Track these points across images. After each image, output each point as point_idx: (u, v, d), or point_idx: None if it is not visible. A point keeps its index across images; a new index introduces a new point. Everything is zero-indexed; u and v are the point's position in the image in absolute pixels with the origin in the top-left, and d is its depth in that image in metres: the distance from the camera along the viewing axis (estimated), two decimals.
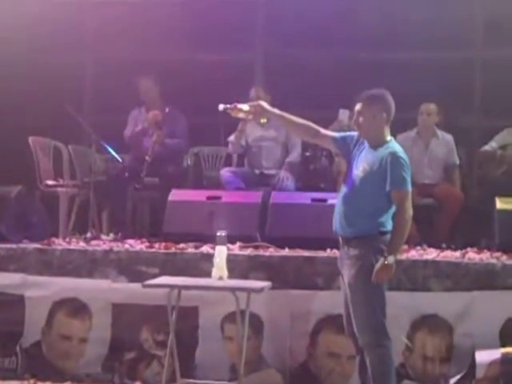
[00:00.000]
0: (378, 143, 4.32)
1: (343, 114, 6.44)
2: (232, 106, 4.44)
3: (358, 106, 4.37)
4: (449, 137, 6.61)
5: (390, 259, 4.15)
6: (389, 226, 4.25)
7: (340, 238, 4.37)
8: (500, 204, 5.73)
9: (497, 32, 7.30)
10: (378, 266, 4.15)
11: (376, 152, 4.29)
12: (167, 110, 6.62)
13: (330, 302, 4.90)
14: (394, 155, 4.24)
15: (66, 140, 7.00)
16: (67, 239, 5.96)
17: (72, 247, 5.63)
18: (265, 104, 4.50)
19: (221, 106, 4.46)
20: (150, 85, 6.74)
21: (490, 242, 5.80)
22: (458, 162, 6.55)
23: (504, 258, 5.26)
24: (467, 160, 6.95)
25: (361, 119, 4.34)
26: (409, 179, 4.26)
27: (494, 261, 5.20)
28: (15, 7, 7.12)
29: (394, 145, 4.34)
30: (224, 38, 7.52)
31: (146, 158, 6.40)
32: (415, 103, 6.58)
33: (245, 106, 4.47)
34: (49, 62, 7.52)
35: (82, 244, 5.75)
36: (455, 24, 7.25)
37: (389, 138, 4.37)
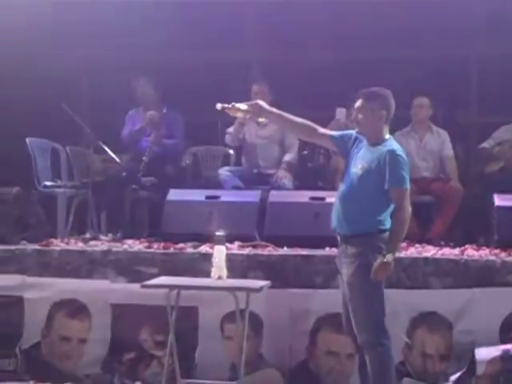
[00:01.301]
0: (376, 141, 4.31)
1: (340, 113, 6.45)
2: (230, 105, 4.43)
3: (357, 103, 4.37)
4: (443, 131, 6.63)
5: (389, 257, 4.15)
6: (387, 224, 4.25)
7: (338, 236, 4.37)
8: (498, 201, 5.73)
9: (494, 30, 7.31)
10: (376, 264, 4.15)
11: (375, 150, 4.29)
12: (164, 110, 6.61)
13: (329, 300, 4.89)
14: (392, 153, 4.24)
15: (64, 141, 6.99)
16: (66, 240, 5.95)
17: (70, 248, 5.62)
18: (263, 103, 4.49)
19: (219, 106, 4.45)
20: (148, 85, 6.73)
21: (488, 238, 5.80)
22: (452, 153, 6.56)
23: (503, 254, 5.26)
24: (465, 157, 6.96)
25: (360, 116, 4.34)
26: (407, 177, 4.25)
27: (493, 258, 5.20)
28: (7, 10, 7.09)
29: (393, 143, 4.34)
30: (221, 37, 7.51)
31: (144, 158, 6.40)
32: (413, 99, 6.59)
33: (243, 106, 4.45)
34: (45, 63, 7.50)
35: (80, 245, 5.75)
36: (453, 22, 7.25)
37: (388, 136, 4.36)
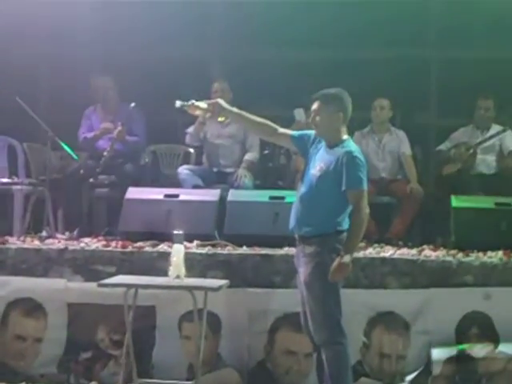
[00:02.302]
0: (334, 142, 4.33)
1: (299, 114, 6.47)
2: (189, 103, 4.40)
3: (314, 105, 4.37)
4: (401, 132, 6.68)
5: (346, 258, 4.16)
6: (345, 225, 4.27)
7: (297, 237, 4.38)
8: (455, 202, 5.79)
9: (453, 32, 7.38)
10: (334, 264, 4.16)
11: (332, 151, 4.30)
12: (133, 104, 6.51)
13: (288, 300, 4.90)
14: (349, 155, 4.25)
15: (21, 138, 6.90)
16: (22, 238, 5.88)
17: (26, 246, 5.56)
18: (223, 102, 4.48)
19: (177, 103, 4.42)
20: (108, 84, 6.67)
21: (445, 239, 5.86)
22: (409, 151, 6.60)
23: (460, 255, 5.31)
24: (423, 158, 7.01)
25: (318, 118, 4.35)
26: (365, 178, 4.27)
27: (450, 258, 5.25)
28: None
29: (351, 144, 4.36)
30: (182, 34, 7.48)
31: (105, 153, 6.33)
32: (372, 102, 6.62)
33: (202, 104, 4.42)
34: (3, 59, 7.40)
35: (36, 243, 5.68)
36: (412, 23, 7.30)
37: (345, 136, 4.38)
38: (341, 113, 4.33)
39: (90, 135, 6.60)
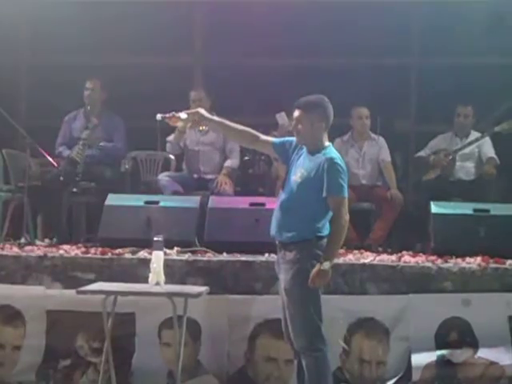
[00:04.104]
0: (316, 149, 4.33)
1: (281, 118, 6.48)
2: (170, 114, 4.39)
3: (296, 113, 4.37)
4: (380, 138, 6.70)
5: (326, 265, 4.16)
6: (325, 231, 4.27)
7: (277, 243, 4.38)
8: (435, 208, 5.81)
9: (433, 40, 7.43)
10: (314, 271, 4.16)
11: (314, 158, 4.31)
12: (101, 144, 6.52)
13: (268, 306, 4.90)
14: (330, 161, 4.26)
15: (0, 144, 6.85)
16: (1, 245, 5.83)
17: (5, 253, 5.51)
18: (203, 111, 4.47)
19: (158, 116, 4.41)
20: (97, 86, 6.67)
21: (425, 245, 5.89)
22: (389, 158, 6.64)
23: (439, 261, 5.33)
24: (403, 165, 7.05)
25: (299, 126, 4.34)
26: (345, 185, 4.28)
27: (429, 264, 5.27)
28: None
29: (332, 151, 4.36)
30: (163, 42, 7.48)
31: (75, 157, 6.28)
32: (351, 109, 6.65)
33: (183, 115, 4.41)
34: None
35: (15, 250, 5.64)
36: (392, 31, 7.35)
37: (327, 143, 4.38)
38: (323, 122, 4.33)
39: (65, 153, 6.57)
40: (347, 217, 4.24)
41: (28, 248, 5.70)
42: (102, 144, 6.58)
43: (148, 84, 7.33)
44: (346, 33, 7.31)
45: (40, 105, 7.53)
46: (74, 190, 6.25)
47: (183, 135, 6.50)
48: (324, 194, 4.22)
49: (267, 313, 4.97)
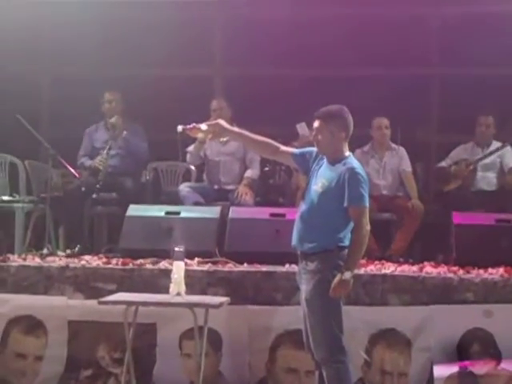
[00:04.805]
0: (336, 159, 4.32)
1: (302, 128, 6.47)
2: (190, 126, 4.41)
3: (316, 123, 4.36)
4: (401, 148, 6.67)
5: (347, 275, 4.15)
6: (347, 242, 4.26)
7: (299, 253, 4.37)
8: (457, 219, 5.78)
9: (454, 50, 7.41)
10: (335, 281, 4.15)
11: (334, 168, 4.30)
12: (124, 133, 6.56)
13: (289, 317, 4.89)
14: (351, 171, 4.25)
15: (23, 155, 6.91)
16: (23, 256, 5.87)
17: (27, 264, 5.54)
18: (223, 122, 4.47)
19: (179, 128, 4.42)
20: (116, 98, 6.70)
21: (446, 256, 5.85)
22: (410, 168, 6.61)
23: (461, 272, 5.30)
24: (424, 175, 7.02)
25: (319, 136, 4.34)
26: (366, 195, 4.26)
27: (451, 275, 5.24)
28: None
29: (353, 160, 4.35)
30: (183, 53, 7.52)
31: (97, 165, 6.33)
32: (372, 119, 6.64)
33: (203, 126, 4.42)
34: (6, 77, 7.44)
35: (37, 260, 5.67)
36: (413, 40, 7.34)
37: (347, 153, 4.38)
38: (343, 132, 4.33)
39: (87, 163, 6.61)
40: (368, 227, 4.23)
41: (50, 259, 5.74)
42: (125, 134, 6.55)
43: (169, 95, 7.36)
44: (367, 43, 7.31)
45: (62, 116, 7.59)
46: (94, 195, 6.27)
47: (203, 145, 6.51)
48: (345, 204, 4.21)
49: (288, 323, 4.96)
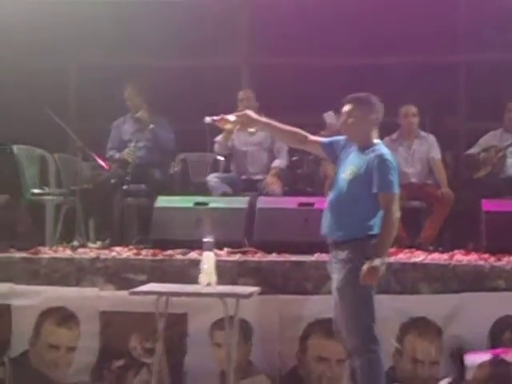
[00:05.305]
0: (365, 146, 4.31)
1: (329, 117, 6.45)
2: (218, 117, 4.41)
3: (346, 107, 4.35)
4: (430, 136, 6.63)
5: (377, 262, 4.13)
6: (377, 230, 4.23)
7: (329, 242, 4.36)
8: (486, 206, 5.74)
9: (481, 35, 7.34)
10: (364, 268, 4.13)
11: (363, 155, 4.29)
12: (151, 126, 6.58)
13: (320, 306, 4.89)
14: (381, 158, 4.23)
15: (52, 148, 6.96)
16: (54, 248, 5.92)
17: (59, 256, 5.59)
18: (251, 113, 4.46)
19: (207, 119, 4.43)
20: (135, 92, 6.71)
21: (477, 243, 5.81)
22: (439, 156, 6.56)
23: (492, 259, 5.26)
24: (453, 163, 6.97)
25: (350, 120, 4.32)
26: (396, 182, 4.25)
27: (481, 262, 5.20)
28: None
29: (382, 147, 4.34)
30: (210, 44, 7.53)
31: (126, 157, 6.33)
32: (400, 107, 6.60)
33: (231, 117, 4.42)
34: (34, 69, 7.49)
35: (68, 252, 5.72)
36: (439, 27, 7.28)
37: (376, 140, 4.36)
38: (373, 115, 4.32)
39: (116, 155, 6.64)
40: (398, 214, 4.21)
41: (81, 250, 5.79)
42: (152, 126, 6.57)
43: (196, 86, 7.38)
44: (394, 31, 7.26)
45: (90, 106, 7.63)
46: (124, 187, 6.30)
47: (231, 135, 6.51)
48: (374, 191, 4.20)
49: (319, 312, 4.95)
